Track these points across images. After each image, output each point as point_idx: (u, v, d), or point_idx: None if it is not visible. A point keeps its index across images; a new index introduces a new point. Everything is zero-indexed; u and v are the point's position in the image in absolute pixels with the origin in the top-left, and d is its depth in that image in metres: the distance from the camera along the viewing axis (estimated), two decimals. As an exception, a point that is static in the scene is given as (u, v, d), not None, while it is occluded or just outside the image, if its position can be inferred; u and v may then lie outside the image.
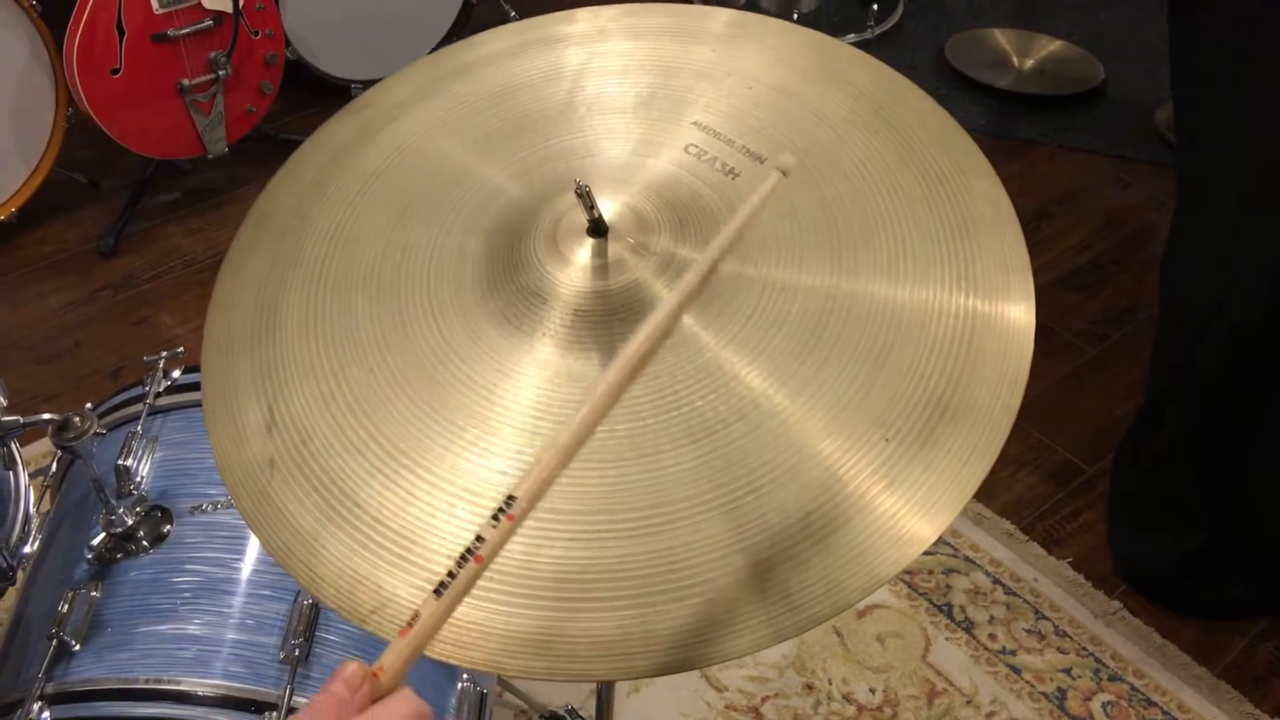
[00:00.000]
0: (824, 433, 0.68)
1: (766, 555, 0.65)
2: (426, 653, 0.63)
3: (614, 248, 0.75)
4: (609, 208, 0.77)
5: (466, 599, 0.62)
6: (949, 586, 1.79)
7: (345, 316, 0.78)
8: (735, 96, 0.85)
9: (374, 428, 0.72)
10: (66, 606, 1.01)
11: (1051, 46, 3.01)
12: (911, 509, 0.66)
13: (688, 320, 0.73)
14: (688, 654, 0.63)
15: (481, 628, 0.65)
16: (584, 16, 0.93)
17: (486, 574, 0.65)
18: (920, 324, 0.72)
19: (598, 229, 0.75)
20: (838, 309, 0.73)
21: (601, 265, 0.75)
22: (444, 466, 0.70)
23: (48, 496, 1.22)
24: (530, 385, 0.72)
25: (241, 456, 0.74)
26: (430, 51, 2.96)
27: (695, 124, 0.84)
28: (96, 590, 1.03)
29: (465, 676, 1.10)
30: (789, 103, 0.84)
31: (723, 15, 0.92)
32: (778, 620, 0.63)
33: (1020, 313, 0.72)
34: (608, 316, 0.73)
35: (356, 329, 0.77)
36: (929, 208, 0.77)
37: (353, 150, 0.88)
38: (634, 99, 0.87)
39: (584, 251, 0.75)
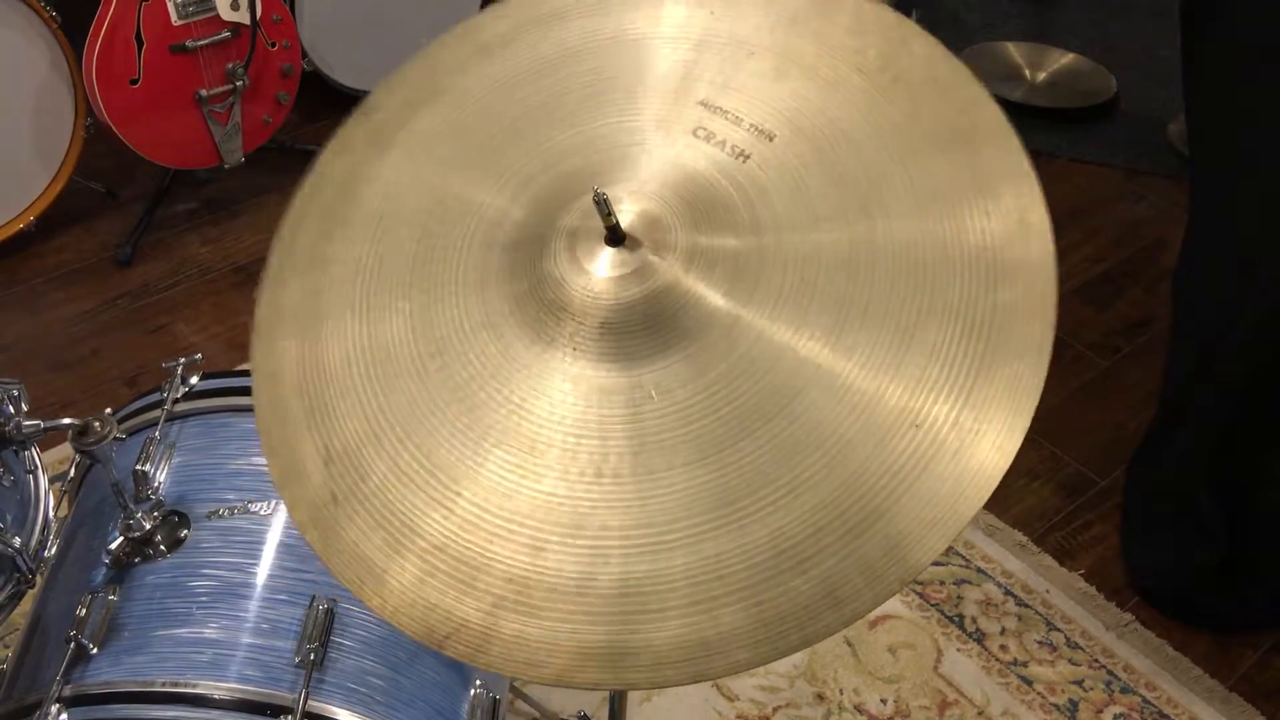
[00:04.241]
0: (870, 394, 0.68)
1: (811, 553, 0.66)
2: (499, 669, 0.66)
3: (634, 254, 0.75)
4: (625, 210, 0.76)
5: (533, 619, 0.66)
6: (960, 597, 1.79)
7: (383, 349, 0.78)
8: (738, 68, 0.82)
9: (425, 459, 0.73)
10: (84, 610, 1.02)
11: (1064, 59, 3.01)
12: (984, 436, 0.67)
13: (725, 304, 0.73)
14: (743, 655, 0.64)
15: (550, 646, 0.67)
16: None
17: (550, 594, 0.67)
18: (944, 256, 0.72)
19: (615, 237, 0.75)
20: (863, 265, 0.72)
21: (624, 275, 0.74)
22: (498, 494, 0.71)
23: (66, 501, 1.23)
24: (566, 403, 0.73)
25: (306, 491, 0.75)
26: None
27: (701, 104, 0.81)
28: (114, 594, 1.04)
29: (479, 682, 1.11)
30: (792, 66, 0.82)
31: None
32: (824, 617, 0.64)
33: (1036, 220, 0.73)
34: (633, 327, 0.74)
35: (396, 361, 0.77)
36: (939, 154, 0.76)
37: (368, 166, 0.88)
38: (638, 81, 0.84)
39: (605, 263, 0.75)
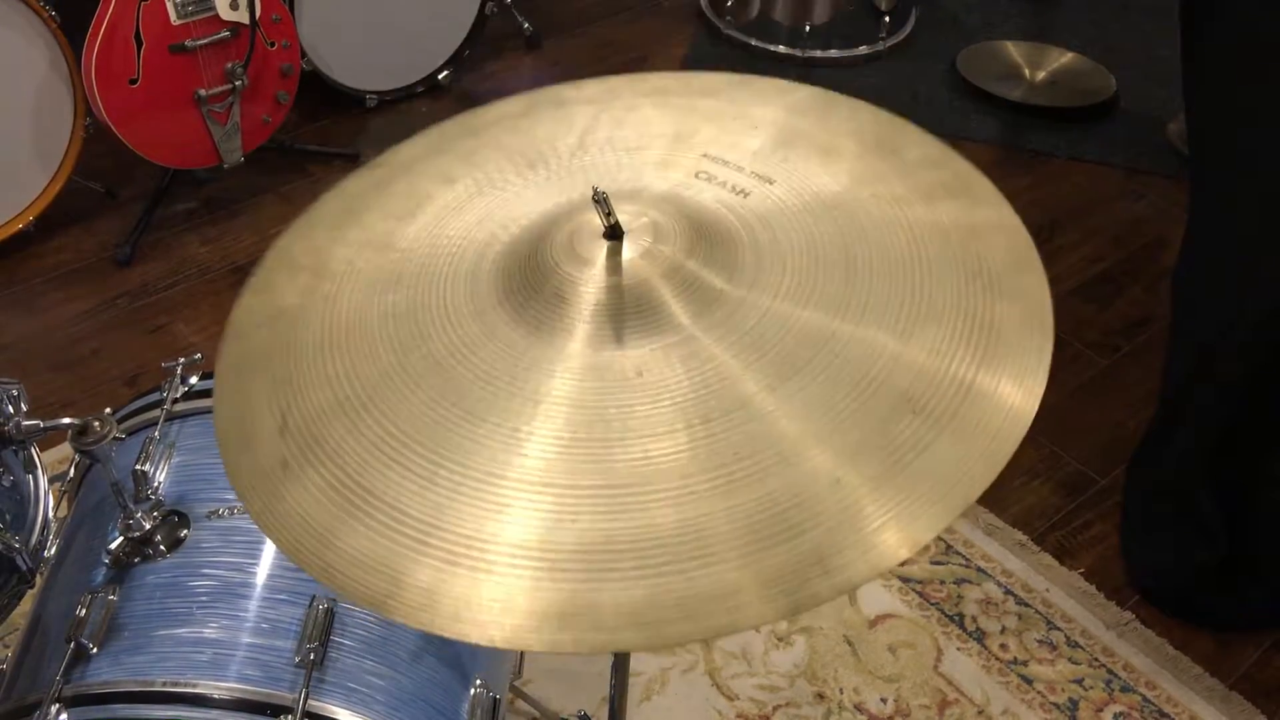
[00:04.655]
0: (810, 444, 0.69)
1: (797, 520, 0.65)
2: (439, 629, 0.65)
3: (629, 248, 0.77)
4: (626, 215, 0.78)
5: (488, 575, 0.65)
6: (960, 597, 1.79)
7: (361, 324, 0.80)
8: (743, 134, 0.88)
9: (390, 423, 0.73)
10: (84, 610, 1.02)
11: (1063, 59, 3.01)
12: (900, 517, 0.66)
13: (687, 323, 0.74)
14: (719, 620, 0.63)
15: (504, 604, 0.65)
16: (590, 84, 0.96)
17: (508, 551, 0.66)
18: (919, 373, 0.72)
19: (614, 233, 0.76)
20: (837, 340, 0.73)
21: (617, 264, 0.76)
22: (462, 453, 0.71)
23: (65, 501, 1.23)
24: (551, 378, 0.73)
25: (254, 461, 0.75)
26: (444, 63, 2.99)
27: (705, 155, 0.86)
28: (114, 594, 1.04)
29: (479, 682, 1.11)
30: (795, 137, 0.87)
31: (722, 79, 0.95)
32: (812, 584, 0.63)
33: (1021, 394, 0.71)
34: (623, 309, 0.75)
35: (372, 336, 0.79)
36: (939, 251, 0.78)
37: (369, 196, 0.91)
38: (644, 139, 0.89)
39: (600, 252, 0.77)
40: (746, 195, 0.82)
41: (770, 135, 0.87)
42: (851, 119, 0.89)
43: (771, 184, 0.82)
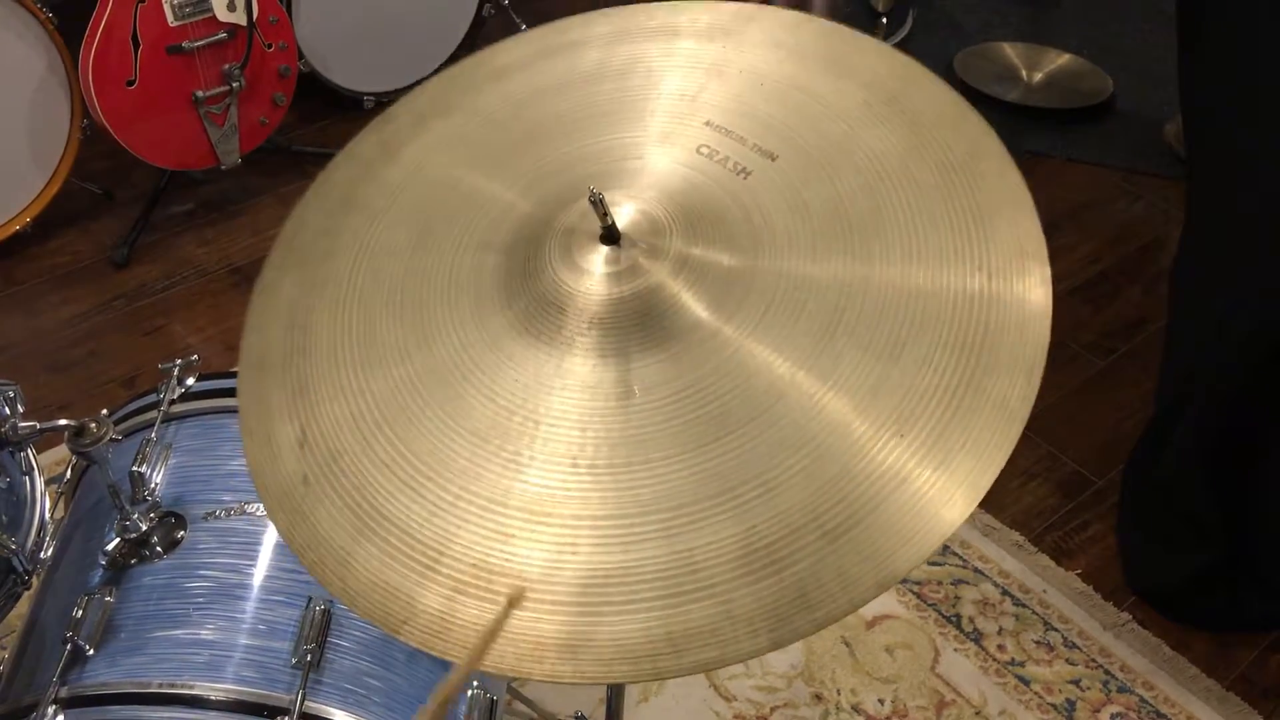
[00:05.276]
0: (847, 417, 0.68)
1: (784, 554, 0.65)
2: (454, 657, 0.66)
3: (627, 254, 0.76)
4: (622, 213, 0.77)
5: (494, 606, 0.66)
6: (958, 597, 1.79)
7: (370, 336, 0.79)
8: (747, 94, 0.85)
9: (401, 443, 0.73)
10: (81, 611, 1.01)
11: (1060, 60, 3.02)
12: (933, 496, 0.66)
13: (708, 317, 0.73)
14: (710, 654, 0.64)
15: (509, 634, 0.66)
16: (599, 20, 0.93)
17: (514, 581, 0.68)
18: (936, 311, 0.71)
19: (610, 236, 0.76)
20: (854, 299, 0.73)
21: (615, 272, 0.75)
22: (467, 478, 0.71)
23: (62, 503, 1.23)
24: (550, 395, 0.73)
25: (277, 474, 0.75)
26: (442, 64, 2.99)
27: (707, 124, 0.84)
28: (111, 595, 1.03)
29: (475, 683, 1.11)
30: (801, 97, 0.84)
31: (732, 9, 0.91)
32: (794, 619, 0.64)
33: (1037, 294, 0.71)
34: (624, 323, 0.74)
35: (382, 348, 0.78)
36: (943, 197, 0.76)
37: (376, 168, 0.89)
38: (647, 101, 0.87)
39: (598, 259, 0.76)
40: (748, 175, 0.80)
41: (776, 95, 0.84)
42: (864, 69, 0.85)
43: (774, 160, 0.80)
